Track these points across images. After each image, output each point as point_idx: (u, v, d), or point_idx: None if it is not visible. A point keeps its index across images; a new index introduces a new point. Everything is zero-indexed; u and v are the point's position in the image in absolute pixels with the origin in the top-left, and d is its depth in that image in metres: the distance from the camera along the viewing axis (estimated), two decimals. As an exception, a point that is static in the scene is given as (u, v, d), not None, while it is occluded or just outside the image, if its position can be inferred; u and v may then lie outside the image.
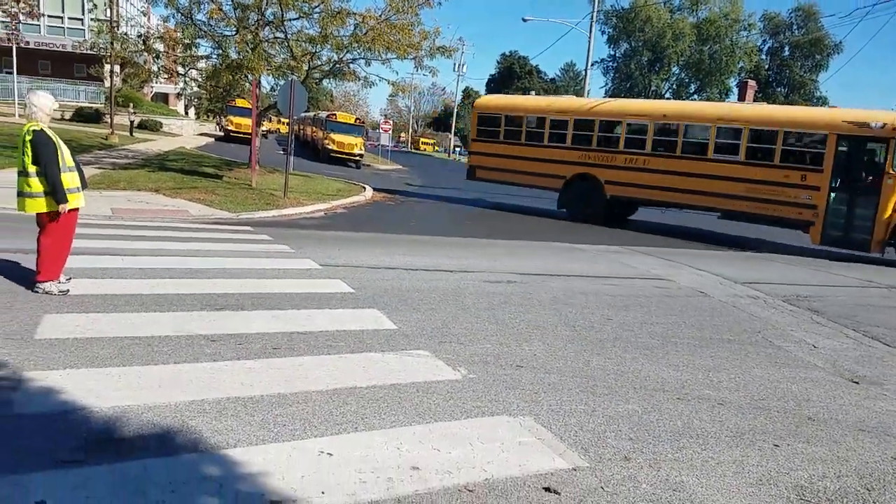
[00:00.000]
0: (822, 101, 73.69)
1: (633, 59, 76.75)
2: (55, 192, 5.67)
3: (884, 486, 3.76)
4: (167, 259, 7.82)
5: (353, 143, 35.61)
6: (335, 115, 39.61)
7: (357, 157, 35.66)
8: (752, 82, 34.48)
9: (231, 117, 40.33)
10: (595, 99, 20.12)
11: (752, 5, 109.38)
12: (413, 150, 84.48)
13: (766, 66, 77.15)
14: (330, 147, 35.37)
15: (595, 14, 48.40)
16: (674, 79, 78.94)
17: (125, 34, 22.22)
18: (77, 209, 6.03)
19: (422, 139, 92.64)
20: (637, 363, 5.55)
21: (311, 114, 46.26)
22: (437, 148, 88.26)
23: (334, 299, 6.71)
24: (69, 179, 5.81)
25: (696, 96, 76.21)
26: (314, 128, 43.13)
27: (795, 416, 4.69)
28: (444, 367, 4.93)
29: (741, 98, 33.37)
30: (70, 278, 6.09)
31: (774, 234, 18.32)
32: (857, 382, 5.67)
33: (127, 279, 6.60)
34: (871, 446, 4.28)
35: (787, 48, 76.14)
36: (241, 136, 36.79)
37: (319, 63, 20.09)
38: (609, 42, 78.49)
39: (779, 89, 75.69)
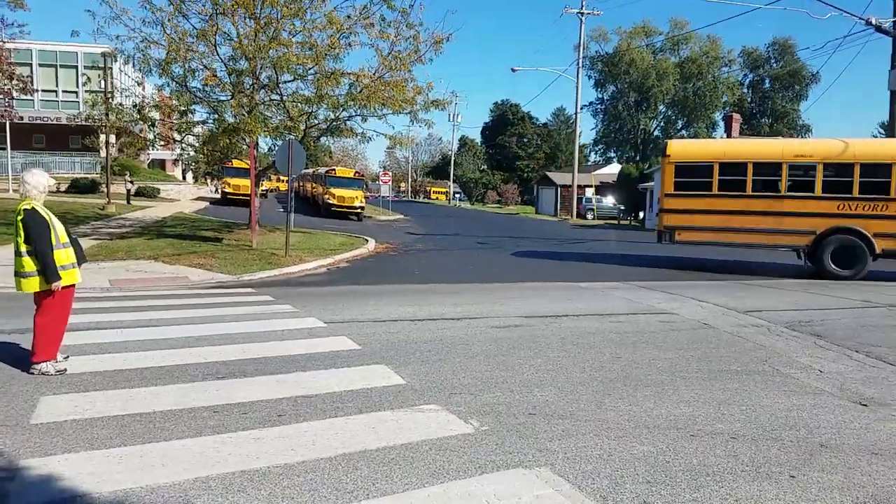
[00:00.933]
0: (805, 130, 75.47)
1: (620, 101, 79.30)
2: (46, 270, 5.62)
3: (907, 513, 3.65)
4: (167, 329, 7.75)
5: (354, 197, 35.96)
6: (334, 170, 40.13)
7: (358, 210, 35.96)
8: (736, 115, 35.06)
9: (228, 179, 38.39)
10: (844, 139, 16.54)
11: (731, 42, 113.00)
12: (426, 201, 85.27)
13: (749, 99, 79.92)
14: (330, 202, 35.70)
15: (581, 60, 49.45)
16: (661, 116, 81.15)
17: (120, 104, 22.54)
18: (73, 286, 5.98)
19: (433, 188, 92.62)
20: (649, 401, 5.46)
21: (311, 170, 46.77)
22: (448, 196, 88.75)
23: (340, 357, 6.63)
24: (63, 256, 5.77)
25: (683, 132, 78.09)
26: (314, 183, 43.56)
27: (808, 444, 4.61)
28: (456, 420, 4.83)
29: (727, 131, 33.82)
30: (67, 356, 6.02)
31: (766, 259, 18.28)
32: (865, 405, 5.60)
33: (126, 353, 6.52)
34: (885, 470, 4.20)
35: (767, 81, 78.67)
36: (240, 197, 35.75)
37: (316, 122, 20.33)
38: (596, 86, 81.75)
39: (763, 120, 77.92)
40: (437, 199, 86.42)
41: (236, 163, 29.29)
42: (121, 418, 4.69)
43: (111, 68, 30.42)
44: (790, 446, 4.55)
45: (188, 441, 4.31)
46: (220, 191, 44.83)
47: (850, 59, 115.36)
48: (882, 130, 69.69)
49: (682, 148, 18.31)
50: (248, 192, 21.71)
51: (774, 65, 76.38)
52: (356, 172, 42.09)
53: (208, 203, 41.22)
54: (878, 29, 22.32)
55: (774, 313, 10.12)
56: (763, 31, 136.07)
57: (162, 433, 4.44)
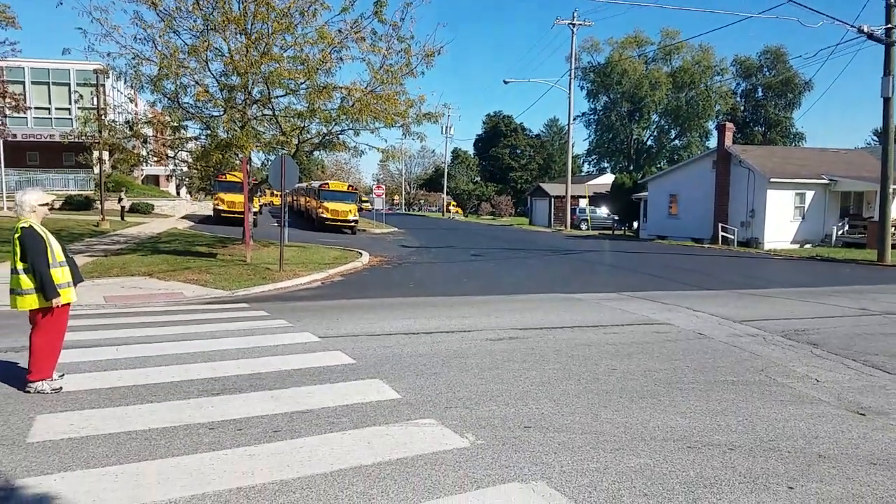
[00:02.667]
0: (799, 138, 75.47)
1: (612, 111, 79.23)
2: (44, 287, 5.63)
3: (910, 525, 3.65)
4: (162, 345, 7.73)
5: (347, 210, 35.95)
6: (328, 183, 40.09)
7: (352, 224, 35.94)
8: (729, 124, 35.18)
9: (221, 195, 34.89)
10: None
11: (723, 51, 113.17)
12: (421, 213, 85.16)
13: (742, 108, 79.67)
14: (324, 215, 35.70)
15: (573, 71, 49.57)
16: (654, 126, 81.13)
17: (113, 121, 22.54)
18: (68, 304, 5.97)
19: (451, 204, 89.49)
20: (645, 413, 5.47)
21: (304, 184, 46.79)
22: (459, 211, 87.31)
23: (335, 372, 6.62)
24: (60, 275, 5.78)
25: (676, 142, 78.12)
26: (308, 197, 43.57)
27: (806, 454, 4.62)
28: (451, 434, 4.83)
29: (720, 140, 34.04)
30: (63, 374, 6.02)
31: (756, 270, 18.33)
32: (863, 414, 5.60)
33: (122, 370, 6.51)
34: (883, 479, 4.21)
35: (760, 89, 78.56)
36: (234, 215, 32.86)
37: (309, 136, 20.32)
38: (588, 96, 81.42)
39: (756, 129, 77.85)
40: (456, 212, 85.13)
41: (229, 176, 28.94)
42: (117, 436, 4.68)
43: (103, 85, 30.45)
44: (788, 457, 4.55)
45: (184, 458, 4.30)
46: (212, 208, 40.25)
47: (843, 66, 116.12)
48: (876, 138, 69.93)
49: None
50: (243, 210, 21.60)
51: (767, 73, 76.49)
52: (350, 186, 42.13)
53: (194, 222, 37.69)
54: (871, 37, 22.42)
55: (770, 322, 10.15)
56: (755, 40, 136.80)
57: (158, 451, 4.43)
